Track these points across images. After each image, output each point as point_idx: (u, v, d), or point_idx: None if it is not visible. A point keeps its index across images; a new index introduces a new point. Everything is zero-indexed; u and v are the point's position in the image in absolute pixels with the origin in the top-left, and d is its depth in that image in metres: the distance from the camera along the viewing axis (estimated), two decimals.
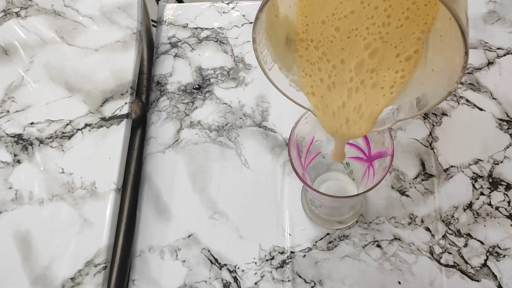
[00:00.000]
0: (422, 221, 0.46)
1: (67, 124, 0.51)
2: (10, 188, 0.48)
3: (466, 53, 0.24)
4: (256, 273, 0.46)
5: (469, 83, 0.53)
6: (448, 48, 0.27)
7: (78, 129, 0.51)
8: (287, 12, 0.31)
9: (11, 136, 0.50)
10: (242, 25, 0.59)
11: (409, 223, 0.46)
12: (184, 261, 0.47)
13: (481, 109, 0.51)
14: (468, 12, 0.25)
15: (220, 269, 0.46)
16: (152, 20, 0.65)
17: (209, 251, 0.47)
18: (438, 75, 0.28)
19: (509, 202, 0.47)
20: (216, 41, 0.58)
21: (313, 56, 0.32)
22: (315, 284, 0.45)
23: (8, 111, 0.52)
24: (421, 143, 0.50)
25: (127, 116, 0.51)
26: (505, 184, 0.47)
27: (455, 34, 0.24)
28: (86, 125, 0.51)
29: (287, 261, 0.46)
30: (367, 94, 0.31)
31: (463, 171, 0.48)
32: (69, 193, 0.47)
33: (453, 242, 0.45)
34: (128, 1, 0.58)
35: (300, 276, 0.45)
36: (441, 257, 0.45)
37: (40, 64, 0.54)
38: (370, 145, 0.38)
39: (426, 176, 0.48)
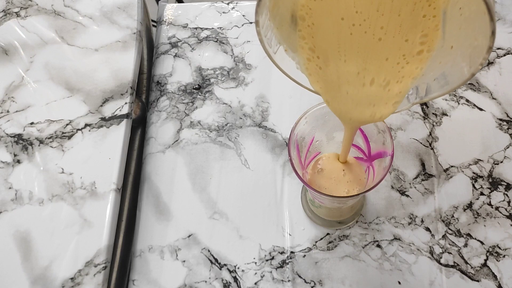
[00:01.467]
0: (422, 221, 0.46)
1: (67, 124, 0.51)
2: (10, 188, 0.48)
3: (493, 33, 0.21)
4: (256, 273, 0.46)
5: (469, 83, 0.53)
6: (469, 23, 0.24)
7: (78, 129, 0.51)
8: None
9: (11, 136, 0.50)
10: (242, 25, 0.59)
11: (409, 223, 0.46)
12: (184, 261, 0.47)
13: (481, 109, 0.51)
14: None
15: (220, 269, 0.46)
16: (152, 20, 0.65)
17: (209, 251, 0.47)
18: (458, 54, 0.25)
19: (509, 202, 0.47)
20: (216, 41, 0.58)
21: (317, 35, 0.29)
22: (315, 284, 0.45)
23: (8, 111, 0.52)
24: (421, 143, 0.50)
25: (127, 116, 0.51)
26: (505, 184, 0.47)
27: (476, 9, 0.21)
28: (86, 125, 0.51)
29: (287, 261, 0.46)
30: (381, 75, 0.29)
31: (463, 171, 0.48)
32: (69, 193, 0.47)
33: (453, 242, 0.45)
34: (128, 1, 0.58)
35: (300, 276, 0.45)
36: (441, 257, 0.45)
37: (40, 64, 0.54)
38: (370, 145, 0.38)
39: (426, 176, 0.48)
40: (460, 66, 0.25)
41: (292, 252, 0.46)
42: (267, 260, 0.46)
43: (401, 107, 0.30)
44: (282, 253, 0.46)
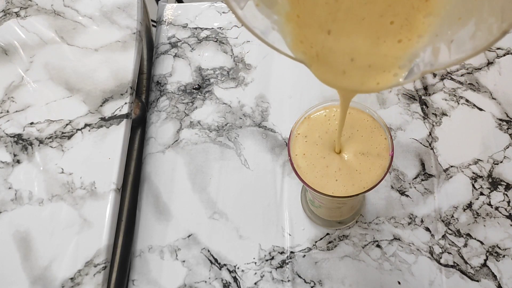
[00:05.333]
0: (422, 221, 0.46)
1: (67, 124, 0.51)
2: (9, 188, 0.48)
3: None
4: (256, 273, 0.46)
5: (469, 83, 0.53)
6: None
7: (78, 129, 0.51)
8: None
9: (11, 136, 0.50)
10: (242, 25, 0.59)
11: (409, 223, 0.46)
12: (184, 261, 0.47)
13: (480, 109, 0.51)
14: None
15: (220, 269, 0.46)
16: (152, 20, 0.65)
17: (209, 251, 0.47)
18: (485, 7, 0.21)
19: (508, 202, 0.47)
20: (216, 41, 0.58)
21: None
22: (315, 284, 0.45)
23: (8, 111, 0.52)
24: (421, 143, 0.50)
25: (127, 116, 0.51)
26: (505, 184, 0.47)
27: None
28: (86, 125, 0.51)
29: (287, 261, 0.46)
30: (385, 34, 0.24)
31: (463, 171, 0.48)
32: (69, 193, 0.47)
33: (452, 242, 0.45)
34: (128, 1, 0.58)
35: (300, 276, 0.45)
36: (440, 257, 0.45)
37: (40, 64, 0.54)
38: None
39: (426, 176, 0.48)
40: (487, 23, 0.20)
41: (292, 252, 0.46)
42: (267, 260, 0.46)
43: (410, 77, 0.24)
44: (282, 253, 0.46)
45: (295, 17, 0.25)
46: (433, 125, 0.51)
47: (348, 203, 0.42)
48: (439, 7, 0.23)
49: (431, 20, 0.23)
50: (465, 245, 0.45)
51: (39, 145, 0.50)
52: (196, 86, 0.56)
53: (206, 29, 0.59)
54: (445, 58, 0.22)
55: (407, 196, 0.48)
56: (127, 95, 0.52)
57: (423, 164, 0.49)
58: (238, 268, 0.46)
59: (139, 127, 0.55)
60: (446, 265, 0.44)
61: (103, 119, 0.51)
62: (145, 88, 0.59)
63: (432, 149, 0.50)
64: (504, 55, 0.54)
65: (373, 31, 0.24)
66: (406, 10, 0.23)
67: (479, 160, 0.49)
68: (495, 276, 0.44)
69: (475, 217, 0.46)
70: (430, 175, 0.48)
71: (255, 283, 0.45)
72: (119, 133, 0.50)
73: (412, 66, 0.24)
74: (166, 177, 0.51)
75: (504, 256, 0.44)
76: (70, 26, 0.57)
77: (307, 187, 0.35)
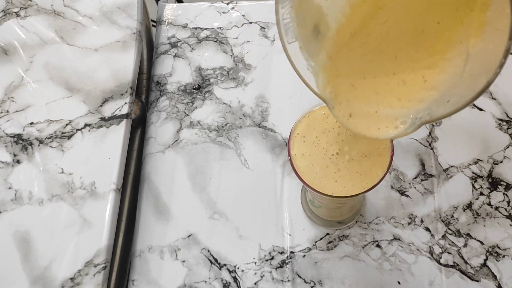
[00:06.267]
0: (422, 221, 0.46)
1: (66, 124, 0.51)
2: (9, 188, 0.48)
3: (510, 38, 0.22)
4: (255, 273, 0.46)
5: None
6: (490, 51, 0.24)
7: (78, 129, 0.51)
8: (322, 2, 0.28)
9: (10, 136, 0.50)
10: (242, 25, 0.59)
11: (409, 223, 0.46)
12: (183, 261, 0.47)
13: (481, 109, 0.51)
14: None
15: (220, 269, 0.46)
16: (152, 20, 0.65)
17: (208, 251, 0.47)
18: (476, 76, 0.25)
19: (508, 202, 0.47)
20: (215, 41, 0.58)
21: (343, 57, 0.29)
22: (314, 284, 0.45)
23: (7, 111, 0.52)
24: (421, 143, 0.50)
25: (126, 116, 0.51)
26: (505, 184, 0.47)
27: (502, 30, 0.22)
28: (86, 125, 0.51)
29: (286, 261, 0.46)
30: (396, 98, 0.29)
31: (462, 171, 0.48)
32: (69, 193, 0.47)
33: (452, 242, 0.45)
34: (128, 1, 0.58)
35: (299, 276, 0.45)
36: (440, 257, 0.45)
37: (39, 64, 0.54)
38: None
39: (426, 176, 0.48)
40: (478, 81, 0.24)
41: (292, 252, 0.46)
42: (267, 260, 0.46)
43: (410, 128, 0.29)
44: (282, 253, 0.46)
45: (334, 71, 0.30)
46: (433, 125, 0.51)
47: (348, 203, 0.42)
48: (440, 85, 0.28)
49: (433, 93, 0.28)
50: (465, 245, 0.45)
51: (39, 145, 0.50)
52: (196, 86, 0.56)
53: (206, 29, 0.59)
54: (441, 112, 0.27)
55: (407, 196, 0.48)
56: (127, 95, 0.52)
57: (423, 164, 0.49)
58: (238, 268, 0.46)
59: (139, 127, 0.55)
60: (446, 265, 0.45)
61: (103, 119, 0.51)
62: (145, 88, 0.59)
63: (432, 149, 0.50)
64: None
65: (384, 96, 0.30)
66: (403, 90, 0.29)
67: (479, 160, 0.49)
68: (495, 276, 0.44)
69: (475, 217, 0.46)
70: (430, 175, 0.48)
71: (255, 283, 0.45)
72: (119, 133, 0.50)
73: (413, 121, 0.29)
74: (166, 177, 0.51)
75: (504, 256, 0.44)
76: (70, 26, 0.57)
77: (307, 187, 0.35)
